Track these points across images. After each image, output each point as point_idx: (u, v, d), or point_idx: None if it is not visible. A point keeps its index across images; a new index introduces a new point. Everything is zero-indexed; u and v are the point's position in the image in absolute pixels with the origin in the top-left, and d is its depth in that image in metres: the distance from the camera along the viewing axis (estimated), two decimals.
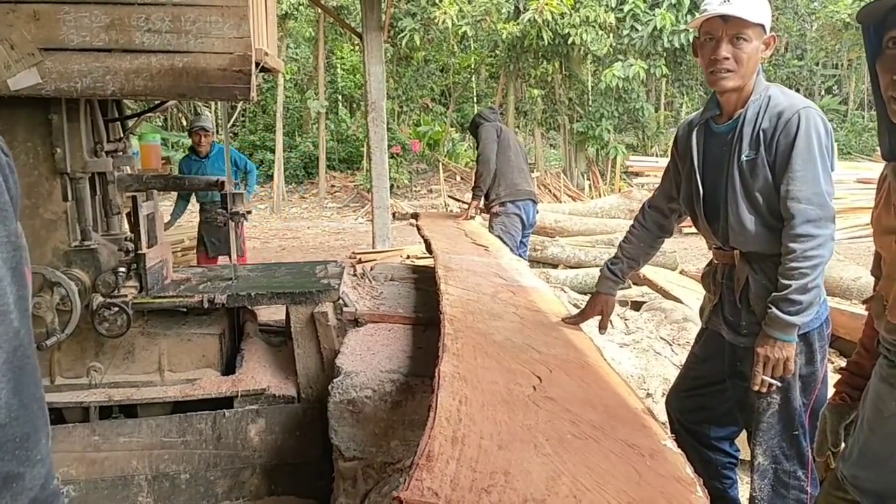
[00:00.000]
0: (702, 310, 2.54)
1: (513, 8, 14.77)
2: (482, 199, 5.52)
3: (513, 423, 1.50)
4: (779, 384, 2.15)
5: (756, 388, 2.14)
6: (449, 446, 1.34)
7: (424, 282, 3.69)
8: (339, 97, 19.68)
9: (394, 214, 9.43)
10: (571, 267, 7.46)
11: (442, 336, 2.09)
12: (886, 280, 1.56)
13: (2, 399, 0.61)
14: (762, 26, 2.12)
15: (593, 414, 1.62)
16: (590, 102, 15.35)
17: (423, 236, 4.58)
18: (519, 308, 2.65)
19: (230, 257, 6.10)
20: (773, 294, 2.11)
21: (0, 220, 0.63)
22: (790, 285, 2.06)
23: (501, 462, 1.31)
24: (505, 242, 5.15)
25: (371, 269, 4.05)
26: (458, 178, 16.81)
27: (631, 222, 2.65)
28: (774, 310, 2.08)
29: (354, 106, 19.93)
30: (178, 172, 6.33)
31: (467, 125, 8.65)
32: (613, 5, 13.65)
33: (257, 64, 2.62)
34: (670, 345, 4.19)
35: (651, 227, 2.56)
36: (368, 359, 2.78)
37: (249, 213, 3.22)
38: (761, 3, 2.12)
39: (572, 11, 13.40)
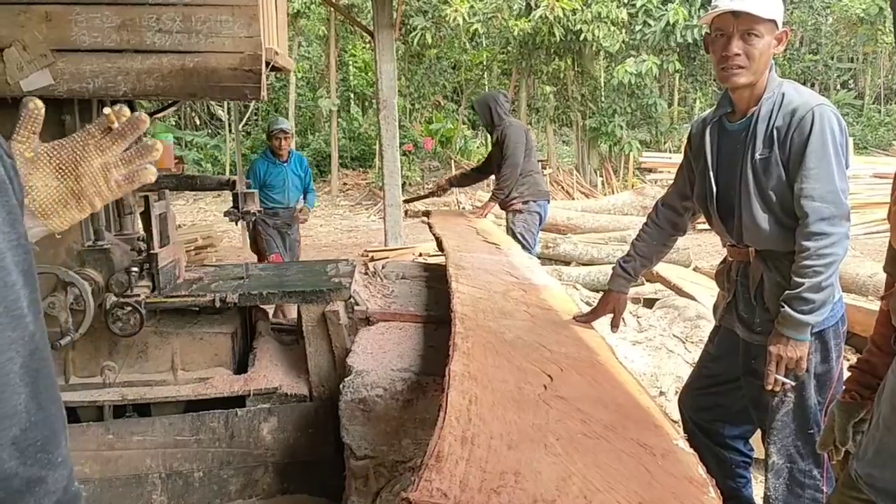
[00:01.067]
0: (715, 307, 2.52)
1: (524, 4, 14.72)
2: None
3: (523, 423, 1.49)
4: (792, 383, 2.13)
5: (769, 387, 2.12)
6: (458, 446, 1.33)
7: (436, 280, 3.68)
8: (351, 95, 19.67)
9: (406, 212, 9.43)
10: (584, 264, 7.44)
11: (452, 335, 2.09)
12: None
13: (21, 404, 0.61)
14: (774, 22, 2.09)
15: (604, 413, 1.61)
16: (602, 99, 15.27)
17: (434, 234, 4.57)
18: (530, 306, 2.64)
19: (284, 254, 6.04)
20: (787, 292, 2.09)
21: (9, 223, 0.63)
22: (803, 283, 2.04)
23: (511, 462, 1.30)
24: (526, 240, 5.19)
25: (382, 267, 4.05)
26: None
27: (644, 219, 2.63)
28: (787, 308, 2.06)
29: (366, 104, 19.92)
30: (253, 175, 5.98)
31: (477, 118, 8.53)
32: (626, 1, 13.57)
33: (268, 63, 2.62)
34: (683, 342, 4.16)
35: (664, 226, 2.54)
36: (380, 357, 2.78)
37: (260, 211, 3.23)
38: None
39: (584, 7, 13.34)
